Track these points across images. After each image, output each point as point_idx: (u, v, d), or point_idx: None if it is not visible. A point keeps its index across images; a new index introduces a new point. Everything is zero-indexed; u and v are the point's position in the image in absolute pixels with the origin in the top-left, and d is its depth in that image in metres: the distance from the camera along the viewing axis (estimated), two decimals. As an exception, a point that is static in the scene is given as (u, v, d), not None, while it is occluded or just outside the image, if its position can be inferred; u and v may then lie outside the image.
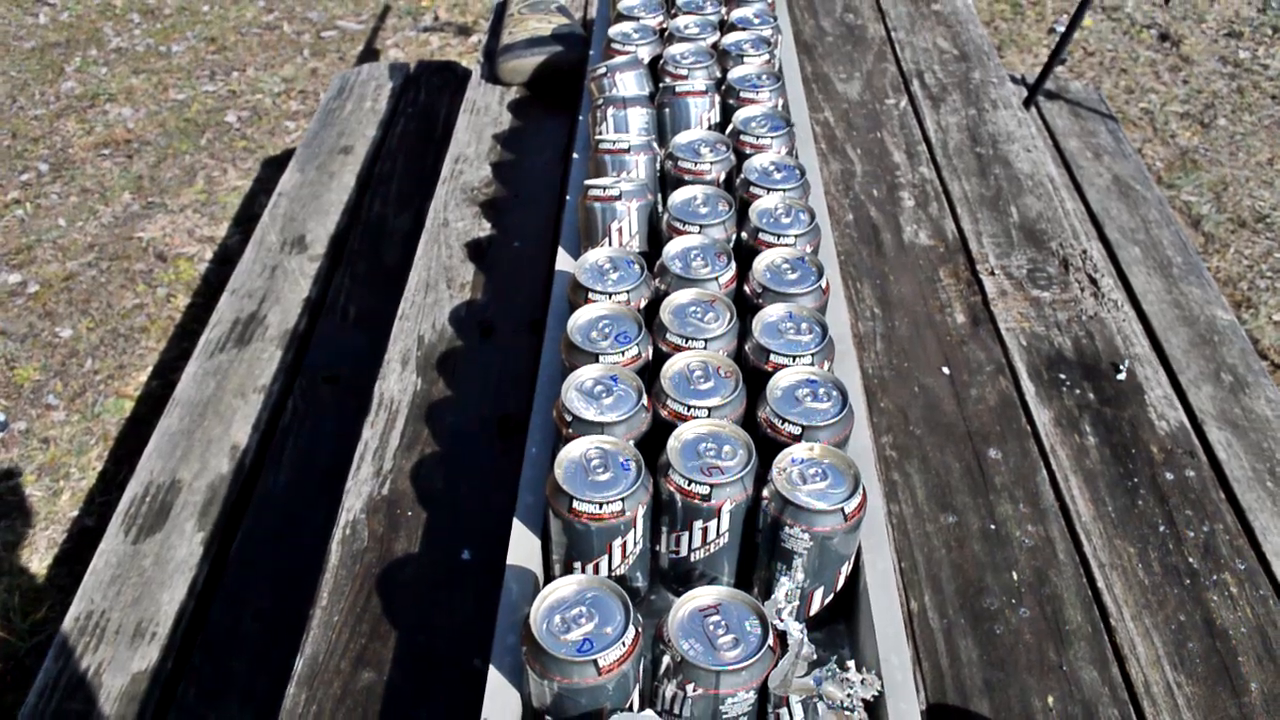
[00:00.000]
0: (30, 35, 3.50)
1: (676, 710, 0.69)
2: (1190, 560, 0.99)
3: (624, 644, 0.67)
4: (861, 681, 0.70)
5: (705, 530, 0.79)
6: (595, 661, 0.66)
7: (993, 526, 1.00)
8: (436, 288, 1.23)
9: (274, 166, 2.76)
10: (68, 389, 2.21)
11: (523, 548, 0.81)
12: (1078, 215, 1.41)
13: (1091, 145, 2.18)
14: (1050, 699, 0.86)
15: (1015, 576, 0.96)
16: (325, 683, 0.83)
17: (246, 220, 2.58)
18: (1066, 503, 1.03)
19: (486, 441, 1.05)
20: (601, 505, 0.75)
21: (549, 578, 0.82)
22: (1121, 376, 1.16)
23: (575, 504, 0.75)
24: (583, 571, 0.78)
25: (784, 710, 0.68)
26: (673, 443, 0.79)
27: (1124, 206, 2.02)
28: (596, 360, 0.86)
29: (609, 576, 0.79)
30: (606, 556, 0.78)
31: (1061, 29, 3.29)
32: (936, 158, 1.47)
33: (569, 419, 0.81)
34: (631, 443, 0.80)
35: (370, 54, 3.21)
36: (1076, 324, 1.22)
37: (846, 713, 0.68)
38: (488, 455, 1.03)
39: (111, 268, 2.50)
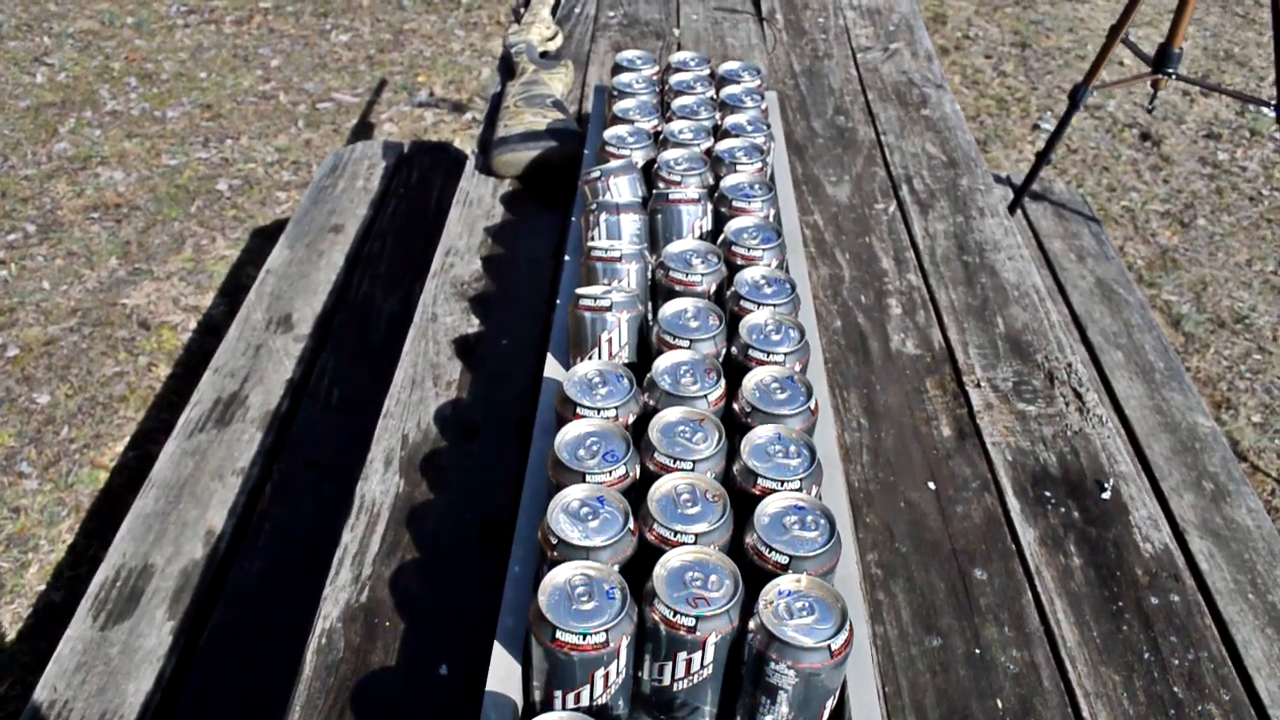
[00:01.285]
0: (26, 94, 3.51)
1: None
2: (1175, 690, 0.98)
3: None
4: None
5: (689, 661, 0.78)
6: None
7: (978, 650, 0.99)
8: (423, 385, 1.23)
9: (263, 237, 2.76)
10: (42, 457, 2.19)
11: (502, 671, 0.79)
12: (1062, 326, 1.42)
13: (1075, 247, 2.22)
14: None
15: (1000, 705, 0.95)
16: (293, 804, 0.81)
17: (233, 291, 2.58)
18: (1051, 627, 1.02)
19: (469, 550, 1.03)
20: (585, 636, 0.73)
21: (528, 704, 0.80)
22: (1106, 495, 1.16)
23: (559, 634, 0.73)
24: (564, 700, 0.77)
25: None
26: (659, 570, 0.78)
27: (1107, 310, 2.05)
28: (584, 479, 0.85)
29: (590, 706, 0.77)
30: (589, 686, 0.76)
31: (1046, 125, 3.36)
32: (924, 265, 1.48)
33: (554, 541, 0.80)
34: (616, 568, 0.79)
35: (365, 127, 3.24)
36: (1061, 439, 1.23)
37: None
38: (470, 564, 1.02)
39: (94, 334, 2.48)
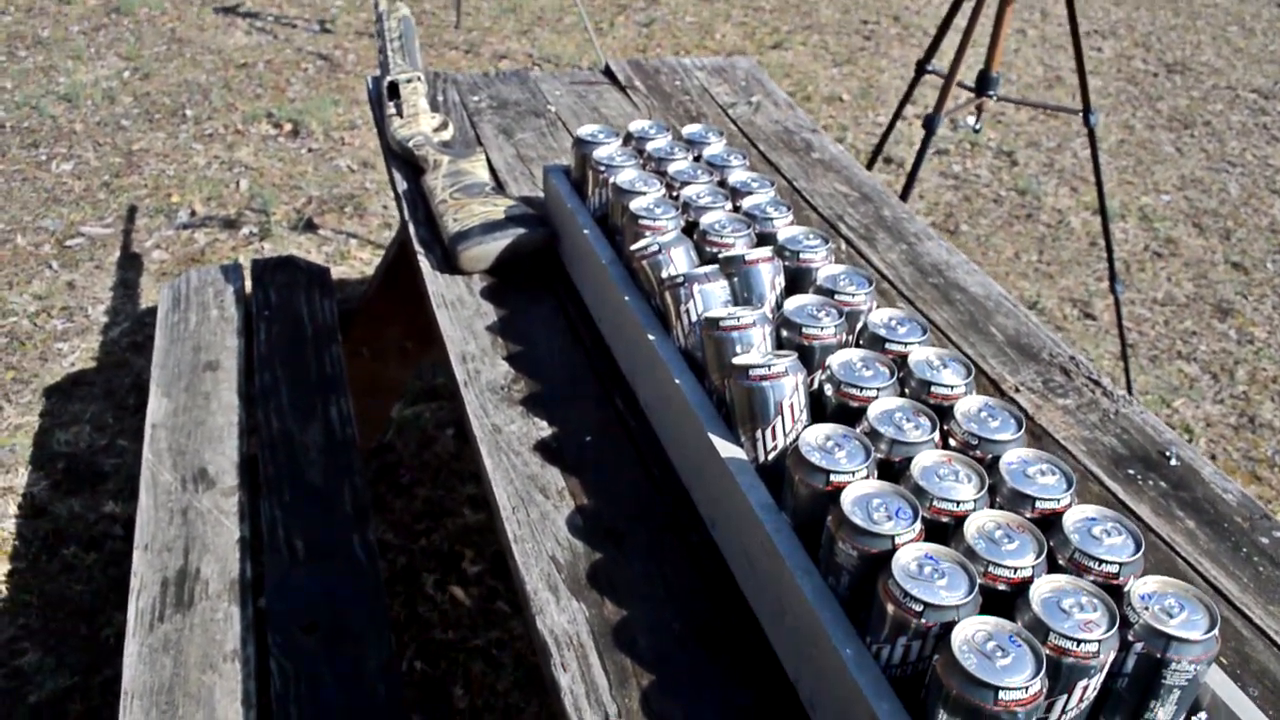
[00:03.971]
0: None
1: None
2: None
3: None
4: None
5: (1086, 688, 0.77)
6: None
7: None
8: (533, 501, 1.12)
9: (62, 395, 2.40)
10: None
11: (908, 757, 0.74)
12: (1046, 327, 1.55)
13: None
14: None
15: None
16: None
17: (48, 461, 2.22)
18: (1211, 581, 1.10)
19: (697, 654, 0.96)
20: (1027, 690, 0.71)
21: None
22: (1175, 463, 1.27)
23: (1001, 694, 0.70)
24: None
25: None
26: (1035, 602, 0.77)
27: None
28: (893, 542, 0.83)
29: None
30: None
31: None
32: (904, 292, 1.56)
33: (919, 609, 0.77)
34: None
35: (131, 259, 2.90)
36: (1110, 423, 1.33)
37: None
38: (703, 666, 0.95)
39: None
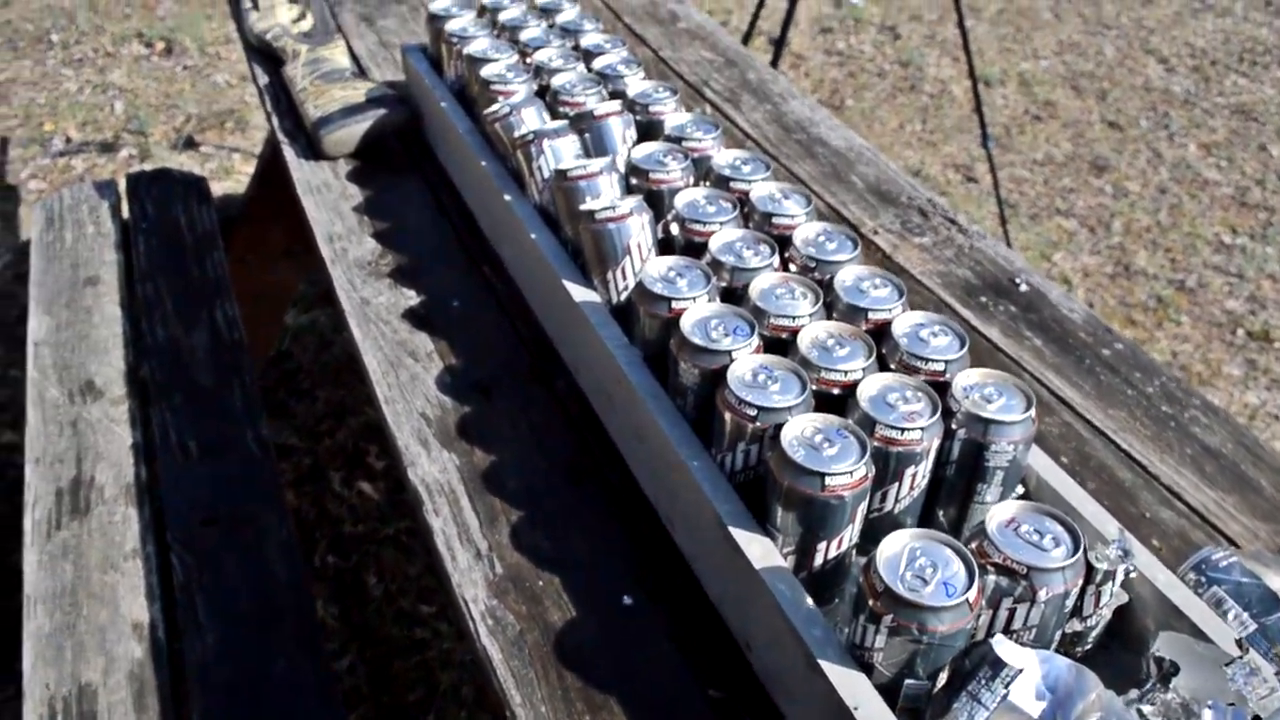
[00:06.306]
0: None
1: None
2: (1164, 408, 1.16)
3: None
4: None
5: (915, 475, 0.83)
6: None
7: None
8: (403, 364, 1.15)
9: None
10: None
11: (758, 549, 0.79)
12: (906, 173, 1.59)
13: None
14: None
15: (1066, 460, 1.08)
16: None
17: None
18: (1056, 391, 1.17)
19: (565, 490, 1.00)
20: (851, 474, 0.76)
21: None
22: (1024, 289, 1.34)
23: (828, 480, 0.75)
24: (828, 548, 0.79)
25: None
26: (863, 399, 0.82)
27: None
28: (729, 356, 0.86)
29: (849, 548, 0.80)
30: (853, 526, 0.79)
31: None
32: (768, 150, 1.59)
33: (752, 413, 0.81)
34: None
35: (7, 190, 2.81)
36: (965, 257, 1.39)
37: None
38: (575, 502, 0.99)
39: None
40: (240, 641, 1.31)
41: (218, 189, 2.82)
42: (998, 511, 0.76)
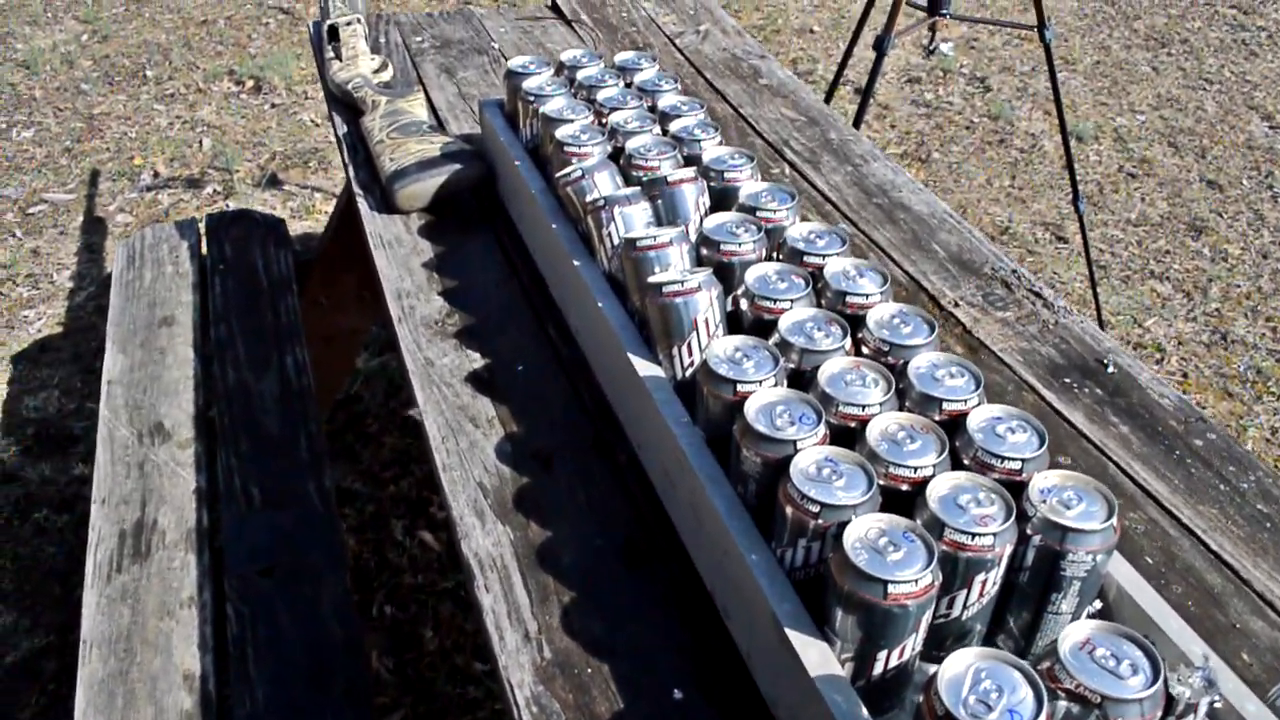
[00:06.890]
0: None
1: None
2: (1260, 507, 1.09)
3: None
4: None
5: (984, 583, 0.78)
6: None
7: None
8: (463, 430, 1.13)
9: (30, 362, 2.40)
10: None
11: (815, 656, 0.75)
12: (1016, 251, 1.54)
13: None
14: None
15: (1150, 561, 1.02)
16: None
17: (19, 428, 2.22)
18: (1143, 484, 1.10)
19: (619, 572, 0.97)
20: (917, 582, 0.72)
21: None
22: (1112, 370, 1.27)
23: (891, 588, 0.71)
24: (887, 657, 0.74)
25: None
26: (932, 500, 0.77)
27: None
28: (794, 447, 0.83)
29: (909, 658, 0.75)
30: (916, 634, 0.74)
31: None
32: (847, 214, 1.55)
33: (815, 510, 0.77)
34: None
35: (95, 224, 2.89)
36: (1049, 334, 1.33)
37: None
38: (629, 585, 0.95)
39: None
40: (289, 699, 1.29)
41: (298, 228, 2.87)
42: (1072, 631, 0.70)
